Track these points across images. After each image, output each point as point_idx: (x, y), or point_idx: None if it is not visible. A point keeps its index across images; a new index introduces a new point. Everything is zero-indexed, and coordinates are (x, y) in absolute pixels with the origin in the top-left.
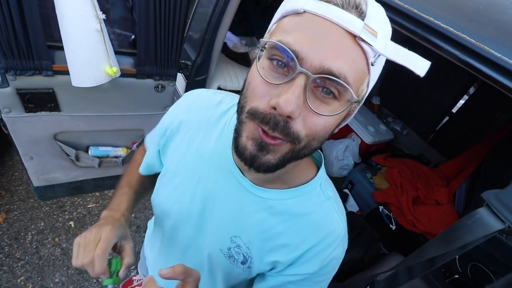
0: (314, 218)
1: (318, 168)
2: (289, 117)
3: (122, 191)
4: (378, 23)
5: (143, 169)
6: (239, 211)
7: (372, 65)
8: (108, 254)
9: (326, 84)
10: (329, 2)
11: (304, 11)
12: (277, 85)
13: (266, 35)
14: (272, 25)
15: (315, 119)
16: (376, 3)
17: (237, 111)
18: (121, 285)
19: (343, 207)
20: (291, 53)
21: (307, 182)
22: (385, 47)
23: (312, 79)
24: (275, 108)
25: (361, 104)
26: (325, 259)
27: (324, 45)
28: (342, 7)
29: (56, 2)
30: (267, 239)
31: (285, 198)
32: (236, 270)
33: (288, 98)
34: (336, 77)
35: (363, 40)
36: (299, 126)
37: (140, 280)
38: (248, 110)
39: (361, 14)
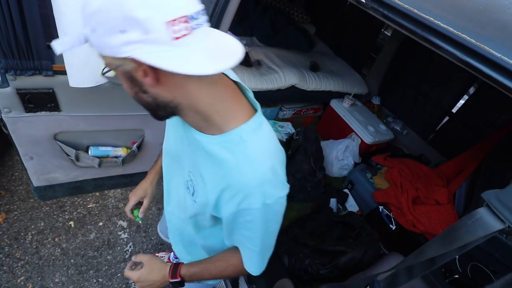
0: (227, 164)
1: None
2: None
3: (157, 162)
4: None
5: None
6: (191, 151)
7: (84, 40)
8: (133, 206)
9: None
10: None
11: None
12: None
13: None
14: None
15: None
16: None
17: None
18: None
19: (272, 154)
20: None
21: (230, 130)
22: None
23: None
24: None
25: (125, 61)
26: (237, 206)
27: None
28: None
29: (54, 2)
30: (201, 176)
31: (210, 142)
32: (189, 201)
33: None
34: None
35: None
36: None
37: (162, 257)
38: None
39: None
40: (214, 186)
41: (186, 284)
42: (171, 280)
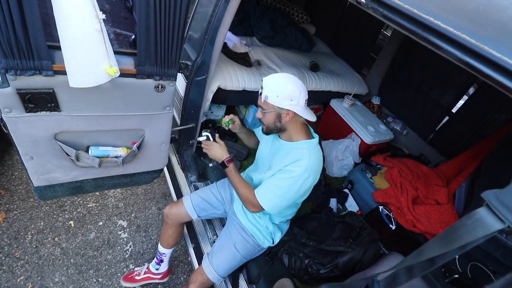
0: (295, 153)
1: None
2: (260, 121)
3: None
4: (266, 89)
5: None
6: (272, 153)
7: (266, 97)
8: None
9: (259, 107)
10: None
11: None
12: None
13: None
14: None
15: (263, 118)
16: (270, 83)
17: None
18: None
19: (317, 160)
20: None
21: (298, 141)
22: (263, 96)
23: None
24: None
25: (282, 112)
26: (287, 170)
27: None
28: (261, 88)
29: (54, 2)
30: (278, 160)
31: (287, 144)
32: (263, 174)
33: (257, 113)
34: (259, 106)
35: (259, 94)
36: (262, 119)
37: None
38: None
39: (261, 88)
40: (281, 163)
41: (244, 225)
42: (225, 160)
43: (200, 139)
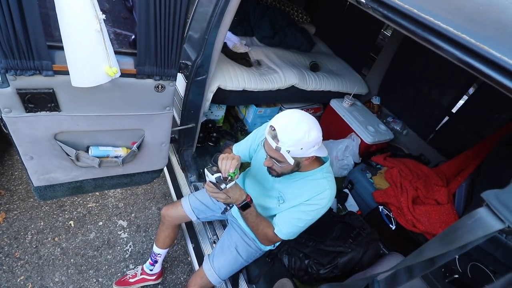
0: (314, 184)
1: (321, 163)
2: (270, 168)
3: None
4: (284, 142)
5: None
6: (286, 180)
7: (288, 152)
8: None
9: (272, 159)
10: (268, 135)
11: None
12: (264, 156)
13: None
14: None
15: (277, 167)
16: (287, 133)
17: None
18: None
19: (335, 186)
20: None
21: (312, 171)
22: (283, 151)
23: (269, 158)
24: (264, 164)
25: (301, 158)
26: (312, 203)
27: (268, 148)
28: (272, 138)
29: (56, 2)
30: (294, 194)
31: (299, 175)
32: (273, 205)
33: (265, 162)
34: (272, 158)
35: (276, 148)
36: (274, 168)
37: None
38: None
39: (276, 140)
40: (300, 197)
41: (226, 240)
42: (247, 201)
43: (211, 178)
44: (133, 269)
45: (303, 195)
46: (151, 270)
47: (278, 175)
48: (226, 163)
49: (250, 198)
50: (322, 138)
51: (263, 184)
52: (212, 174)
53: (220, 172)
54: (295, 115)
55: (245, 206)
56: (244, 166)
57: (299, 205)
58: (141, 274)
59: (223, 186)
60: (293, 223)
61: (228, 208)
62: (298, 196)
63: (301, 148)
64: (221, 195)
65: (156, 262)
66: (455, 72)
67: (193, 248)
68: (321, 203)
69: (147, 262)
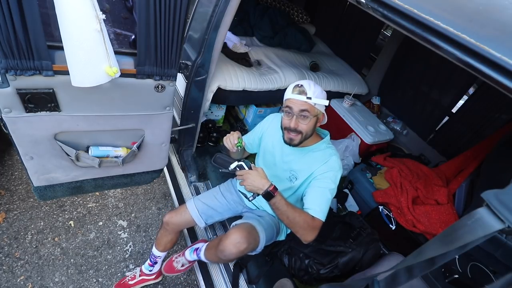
0: (320, 154)
1: (322, 138)
2: (295, 129)
3: None
4: (311, 92)
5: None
6: (294, 157)
7: (314, 104)
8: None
9: (301, 114)
10: (295, 94)
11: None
12: (289, 120)
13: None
14: (284, 100)
15: (303, 125)
16: (311, 86)
17: (281, 127)
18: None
19: (337, 152)
20: (290, 110)
21: (315, 144)
22: (313, 100)
23: (296, 115)
24: (290, 126)
25: (320, 115)
26: (325, 171)
27: (297, 105)
28: (300, 94)
29: (56, 2)
30: (304, 168)
31: (304, 149)
32: (287, 185)
33: (292, 123)
34: (303, 111)
35: (307, 99)
36: (300, 128)
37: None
38: (284, 128)
39: (305, 93)
40: (311, 167)
41: (251, 217)
42: (269, 190)
43: (232, 167)
44: (132, 270)
45: (314, 165)
46: (150, 270)
47: (300, 141)
48: (230, 139)
49: (275, 187)
50: None
51: (274, 169)
52: (229, 167)
53: (231, 163)
54: (304, 80)
55: (268, 195)
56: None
57: (315, 181)
58: (140, 276)
59: (240, 165)
60: (323, 198)
61: (255, 195)
62: (309, 167)
63: (323, 98)
64: (246, 177)
65: (155, 263)
66: (455, 72)
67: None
68: (334, 166)
69: (146, 263)
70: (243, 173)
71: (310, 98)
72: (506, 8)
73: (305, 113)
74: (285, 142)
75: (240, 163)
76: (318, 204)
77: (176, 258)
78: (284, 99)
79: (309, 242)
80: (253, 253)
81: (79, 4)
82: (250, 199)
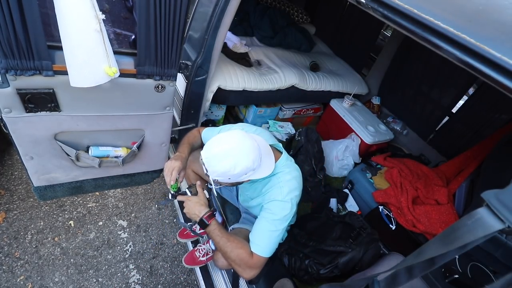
0: (267, 189)
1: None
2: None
3: (184, 145)
4: (209, 171)
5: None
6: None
7: (213, 181)
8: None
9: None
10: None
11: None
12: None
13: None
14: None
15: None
16: (209, 166)
17: None
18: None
19: (294, 182)
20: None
21: (268, 176)
22: (212, 177)
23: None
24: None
25: (232, 182)
26: (265, 207)
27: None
28: (203, 165)
29: (56, 2)
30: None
31: (259, 181)
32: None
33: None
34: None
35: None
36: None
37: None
38: None
39: (205, 168)
40: (258, 202)
41: (248, 221)
42: (203, 218)
43: (170, 194)
44: (200, 246)
45: (260, 195)
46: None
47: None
48: (168, 176)
49: (211, 215)
50: (259, 163)
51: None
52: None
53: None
54: (225, 145)
55: (202, 223)
56: None
57: (263, 211)
58: (208, 253)
59: (171, 197)
60: (263, 232)
61: (194, 222)
62: (258, 197)
63: (229, 178)
64: (185, 205)
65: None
66: (455, 72)
67: (193, 248)
68: (275, 196)
69: (208, 245)
70: (184, 199)
71: (208, 175)
72: (506, 8)
73: (217, 180)
74: None
75: (184, 190)
76: (259, 238)
77: (199, 247)
78: None
79: (248, 280)
80: None
81: (79, 4)
82: (188, 227)
